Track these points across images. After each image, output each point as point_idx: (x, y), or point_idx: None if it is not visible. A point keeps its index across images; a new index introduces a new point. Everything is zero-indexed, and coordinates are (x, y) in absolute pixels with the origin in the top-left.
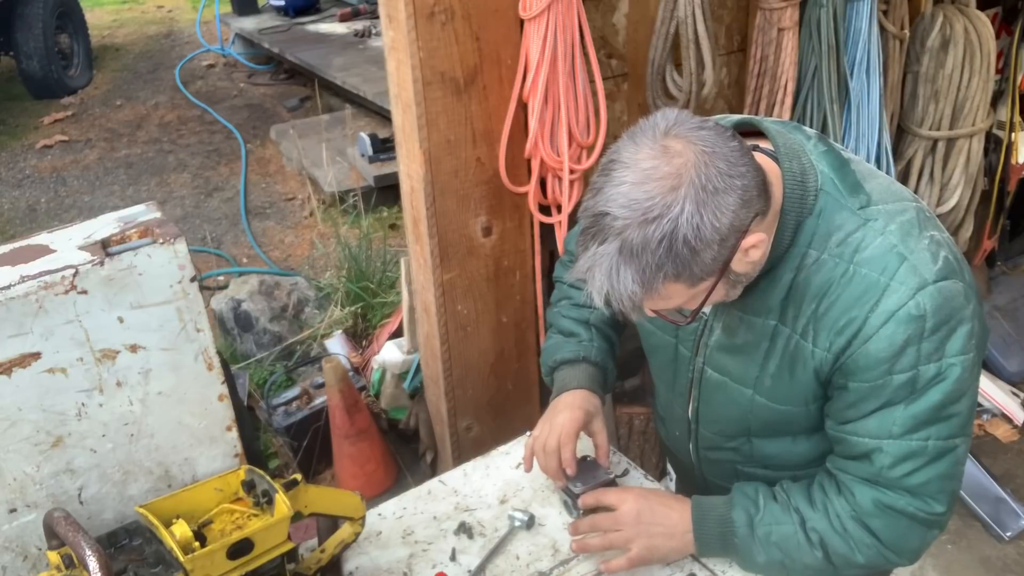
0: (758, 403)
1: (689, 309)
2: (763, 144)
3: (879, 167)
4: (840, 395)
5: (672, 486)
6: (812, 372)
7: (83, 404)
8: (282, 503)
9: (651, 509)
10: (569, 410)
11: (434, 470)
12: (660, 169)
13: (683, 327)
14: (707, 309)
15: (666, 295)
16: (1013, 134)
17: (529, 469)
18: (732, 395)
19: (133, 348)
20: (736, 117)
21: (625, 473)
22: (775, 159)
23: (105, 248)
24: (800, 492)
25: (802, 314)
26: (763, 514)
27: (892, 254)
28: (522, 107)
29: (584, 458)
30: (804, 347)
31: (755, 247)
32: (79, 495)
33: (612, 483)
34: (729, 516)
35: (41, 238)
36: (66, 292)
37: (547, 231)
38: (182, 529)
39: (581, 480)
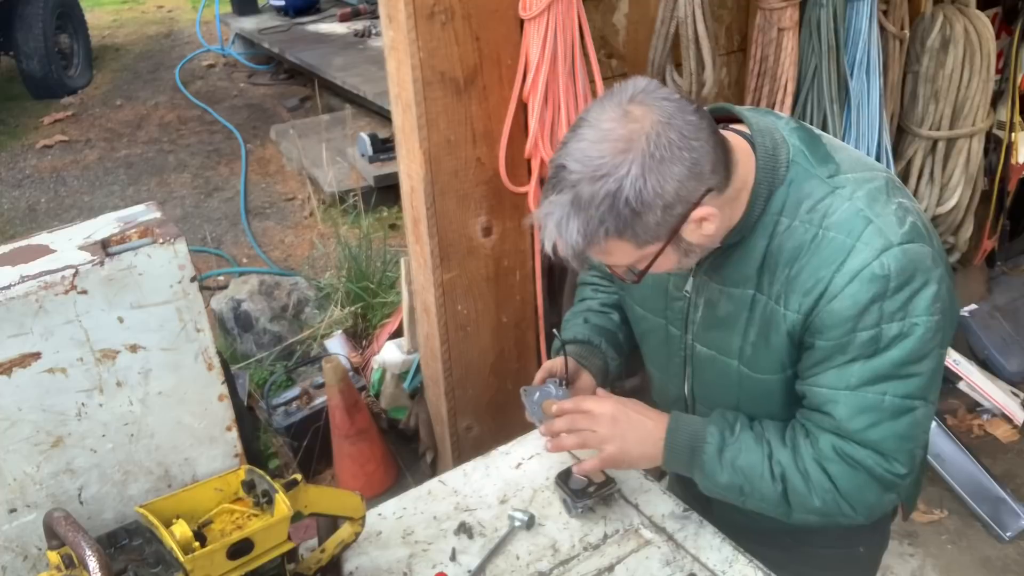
0: (744, 374)
1: (639, 269)
2: (738, 127)
3: None
4: (808, 353)
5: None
6: (785, 335)
7: (83, 404)
8: (282, 503)
9: (627, 415)
10: None
11: (434, 470)
12: (616, 132)
13: (671, 306)
14: (688, 287)
15: (609, 251)
16: (1013, 134)
17: (551, 442)
18: (721, 368)
19: (133, 348)
20: (713, 104)
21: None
22: (749, 140)
23: (105, 248)
24: (774, 429)
25: (776, 280)
26: (736, 438)
27: (859, 217)
28: (522, 107)
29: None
30: (777, 311)
31: (707, 220)
32: (79, 495)
33: (562, 385)
34: (703, 432)
35: (41, 238)
36: (66, 292)
37: None
38: (182, 529)
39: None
